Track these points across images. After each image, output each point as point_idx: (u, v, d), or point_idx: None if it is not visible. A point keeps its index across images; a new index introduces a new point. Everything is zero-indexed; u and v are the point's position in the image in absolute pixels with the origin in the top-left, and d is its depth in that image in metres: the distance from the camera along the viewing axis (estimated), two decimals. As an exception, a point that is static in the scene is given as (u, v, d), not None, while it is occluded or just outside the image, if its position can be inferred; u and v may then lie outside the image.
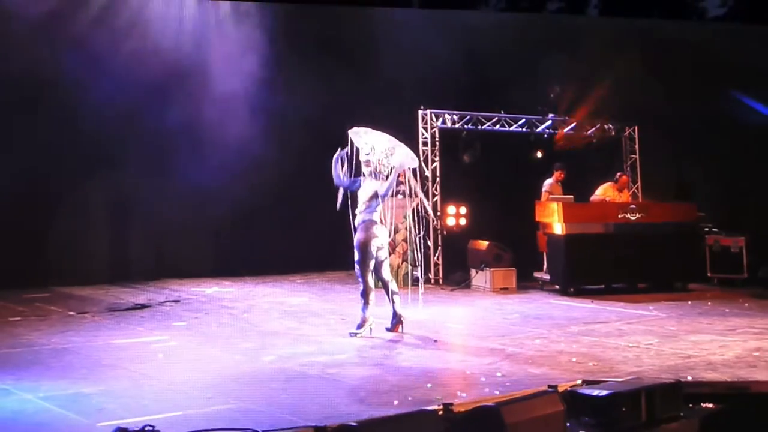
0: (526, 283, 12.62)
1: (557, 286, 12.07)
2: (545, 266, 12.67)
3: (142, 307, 10.51)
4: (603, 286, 12.08)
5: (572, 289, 11.76)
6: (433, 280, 13.10)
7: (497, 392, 5.98)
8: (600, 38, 13.47)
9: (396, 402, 5.72)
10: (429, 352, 7.83)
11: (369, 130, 8.75)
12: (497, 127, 13.71)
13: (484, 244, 12.73)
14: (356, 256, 8.48)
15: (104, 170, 12.74)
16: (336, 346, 7.91)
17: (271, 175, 13.38)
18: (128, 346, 7.92)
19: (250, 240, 13.55)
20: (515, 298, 11.71)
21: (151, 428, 4.64)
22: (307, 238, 13.70)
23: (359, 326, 8.42)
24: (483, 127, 13.58)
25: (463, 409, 5.39)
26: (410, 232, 12.66)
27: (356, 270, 8.57)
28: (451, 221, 13.41)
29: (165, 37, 12.95)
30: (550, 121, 14.05)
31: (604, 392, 5.59)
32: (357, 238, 8.46)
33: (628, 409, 5.53)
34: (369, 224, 8.46)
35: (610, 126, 14.38)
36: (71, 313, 9.92)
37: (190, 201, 13.18)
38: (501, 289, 12.25)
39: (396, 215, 10.57)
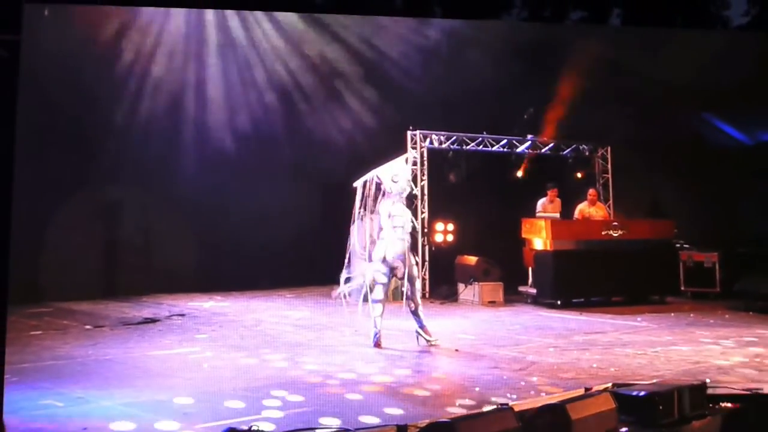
0: (510, 296, 13.05)
1: (544, 300, 12.61)
2: (530, 280, 13.25)
3: (153, 321, 10.74)
4: (583, 299, 12.68)
5: (559, 302, 12.36)
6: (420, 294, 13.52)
7: (543, 394, 6.49)
8: (576, 60, 14.02)
9: (457, 403, 6.18)
10: (456, 360, 8.28)
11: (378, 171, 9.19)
12: (480, 147, 14.29)
13: (472, 259, 13.24)
14: None
15: (94, 182, 12.90)
16: (366, 356, 8.28)
17: (258, 192, 13.70)
18: (166, 357, 8.19)
19: (236, 255, 13.79)
20: (506, 310, 12.22)
21: (257, 428, 5.04)
22: (292, 253, 14.00)
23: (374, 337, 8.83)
24: (467, 147, 14.15)
25: (517, 410, 5.90)
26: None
27: None
28: (439, 237, 13.90)
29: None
30: (529, 142, 14.70)
31: (642, 392, 6.18)
32: None
33: (663, 407, 6.13)
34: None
35: (585, 146, 15.10)
36: (87, 326, 10.07)
37: (178, 215, 13.37)
38: (489, 302, 12.73)
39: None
